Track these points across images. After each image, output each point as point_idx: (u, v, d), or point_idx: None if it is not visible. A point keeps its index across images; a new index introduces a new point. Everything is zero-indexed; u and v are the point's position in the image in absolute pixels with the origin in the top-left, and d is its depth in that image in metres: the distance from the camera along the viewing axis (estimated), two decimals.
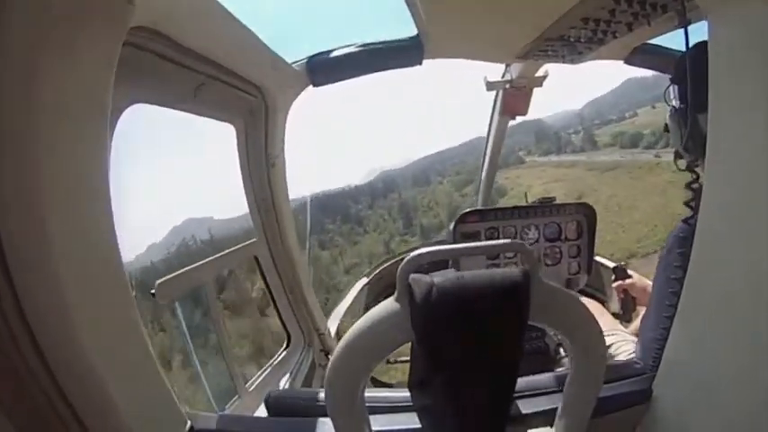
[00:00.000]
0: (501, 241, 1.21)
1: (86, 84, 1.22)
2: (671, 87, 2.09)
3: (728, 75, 1.33)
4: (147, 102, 1.99)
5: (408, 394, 1.49)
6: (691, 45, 2.16)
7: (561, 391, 1.41)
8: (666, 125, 2.15)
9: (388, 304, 1.17)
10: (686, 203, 1.85)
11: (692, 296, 1.53)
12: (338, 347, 1.21)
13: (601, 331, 1.32)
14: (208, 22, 2.01)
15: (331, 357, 1.24)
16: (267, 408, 1.83)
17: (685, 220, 1.83)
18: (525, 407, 1.68)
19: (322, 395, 1.71)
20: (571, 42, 2.74)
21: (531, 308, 1.15)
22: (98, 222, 1.27)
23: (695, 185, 1.83)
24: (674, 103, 2.08)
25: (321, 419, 1.64)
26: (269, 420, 1.83)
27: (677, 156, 2.05)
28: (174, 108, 2.25)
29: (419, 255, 1.12)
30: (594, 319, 1.29)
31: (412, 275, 1.14)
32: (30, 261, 1.09)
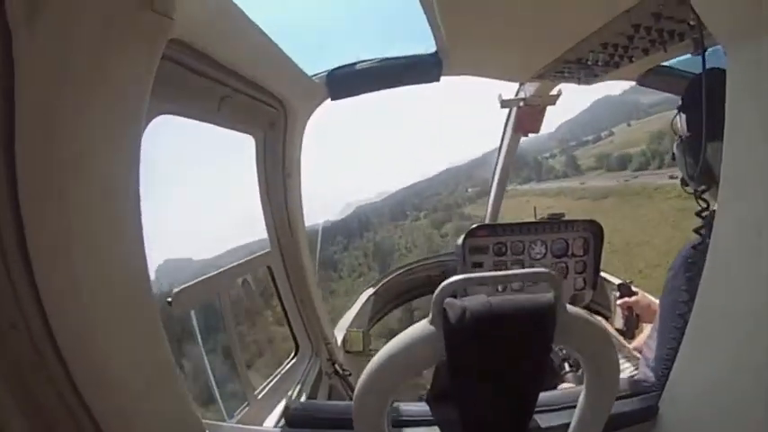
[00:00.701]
0: (531, 270, 1.24)
1: (125, 94, 1.24)
2: (678, 116, 2.11)
3: (746, 104, 1.35)
4: (173, 113, 2.02)
5: (426, 408, 1.53)
6: (698, 72, 2.21)
7: (573, 407, 1.44)
8: (673, 154, 2.17)
9: (422, 326, 1.22)
10: (696, 230, 1.88)
11: (701, 318, 1.56)
12: (370, 365, 1.27)
13: (617, 356, 1.36)
14: (236, 34, 2.04)
15: (361, 374, 1.29)
16: (286, 420, 1.85)
17: (693, 246, 1.86)
18: (540, 421, 1.71)
19: (342, 408, 1.74)
20: (588, 65, 2.77)
21: (557, 329, 1.21)
22: (126, 231, 1.28)
23: (705, 213, 1.86)
24: (680, 131, 2.10)
25: None
26: None
27: (684, 183, 2.09)
28: (198, 120, 2.28)
29: (454, 281, 1.18)
30: (612, 343, 1.34)
31: (446, 300, 1.19)
32: (54, 265, 1.10)
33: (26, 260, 1.07)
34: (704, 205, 1.88)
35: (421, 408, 1.74)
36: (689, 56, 2.31)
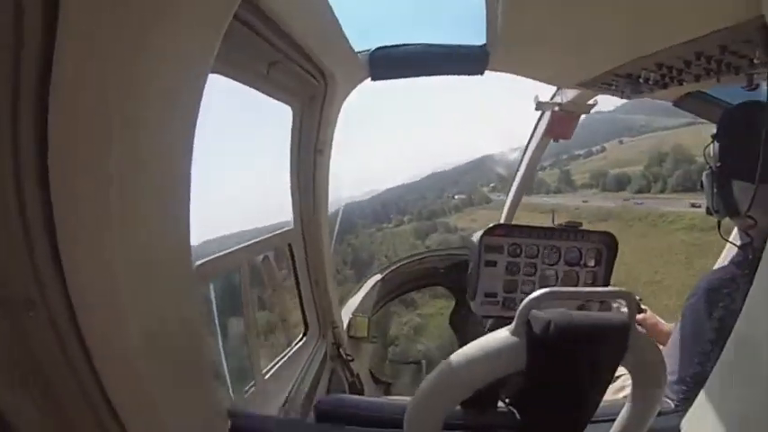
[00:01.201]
0: (611, 289, 1.27)
1: (191, 47, 1.16)
2: (712, 145, 2.09)
3: None
4: (223, 74, 1.96)
5: (467, 413, 1.55)
6: (735, 104, 2.19)
7: (611, 420, 1.45)
8: (701, 182, 2.16)
9: (504, 335, 1.22)
10: (733, 262, 1.88)
11: (738, 349, 1.54)
12: (442, 366, 1.26)
13: (666, 382, 1.39)
14: None
15: (428, 376, 1.27)
16: (315, 414, 1.84)
17: (719, 276, 1.87)
18: None
19: (375, 404, 1.73)
20: (637, 82, 2.74)
21: (627, 350, 1.23)
22: (171, 205, 1.20)
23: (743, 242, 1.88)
24: (711, 161, 2.08)
25: (374, 430, 1.63)
26: (317, 427, 1.83)
27: (709, 212, 2.12)
28: (246, 84, 2.22)
29: (541, 295, 1.18)
30: (665, 371, 1.37)
31: (532, 312, 1.19)
32: (83, 242, 0.99)
33: (52, 236, 0.96)
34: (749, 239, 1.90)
35: (457, 413, 1.74)
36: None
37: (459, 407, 1.59)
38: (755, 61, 1.89)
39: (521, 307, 1.19)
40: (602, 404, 1.77)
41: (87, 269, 1.00)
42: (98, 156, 0.95)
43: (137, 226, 1.07)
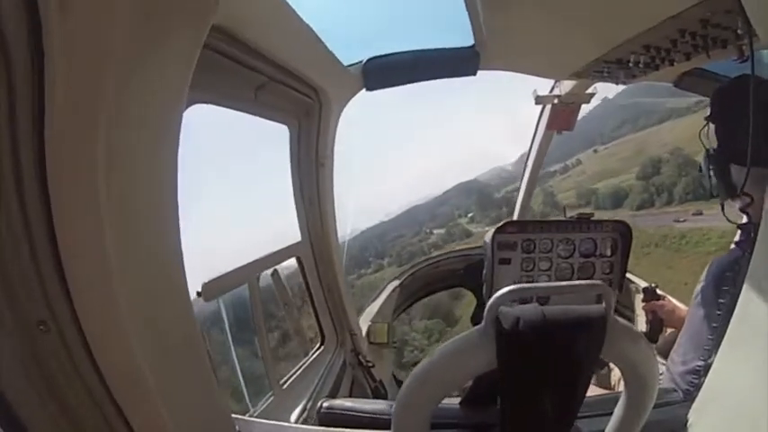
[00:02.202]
0: (585, 282, 1.26)
1: (165, 81, 1.23)
2: (707, 126, 2.07)
3: None
4: (208, 102, 2.02)
5: (460, 411, 1.55)
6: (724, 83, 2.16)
7: (608, 414, 1.44)
8: (700, 166, 2.14)
9: (474, 334, 1.22)
10: (736, 243, 1.86)
11: (739, 332, 1.53)
12: (418, 369, 1.26)
13: (658, 370, 1.35)
14: (275, 20, 2.04)
15: (405, 380, 1.28)
16: (318, 419, 1.85)
17: (725, 259, 1.85)
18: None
19: (376, 407, 1.74)
20: (628, 66, 2.74)
21: (605, 342, 1.21)
22: (161, 224, 1.27)
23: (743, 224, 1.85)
24: (708, 144, 2.06)
25: None
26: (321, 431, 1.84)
27: (712, 195, 2.07)
28: (234, 109, 2.28)
29: (510, 291, 1.18)
30: (655, 358, 1.34)
31: (500, 308, 1.19)
32: (84, 259, 1.06)
33: (56, 254, 1.04)
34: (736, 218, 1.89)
35: (455, 411, 1.74)
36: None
37: (457, 405, 1.60)
38: (739, 32, 1.88)
39: (488, 304, 1.19)
40: (599, 398, 1.76)
41: (90, 287, 1.07)
42: (90, 178, 1.02)
43: (133, 243, 1.14)
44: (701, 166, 2.14)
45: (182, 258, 1.31)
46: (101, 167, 1.02)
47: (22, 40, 0.93)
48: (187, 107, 1.68)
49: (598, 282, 1.25)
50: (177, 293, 1.32)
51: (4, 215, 0.99)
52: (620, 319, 1.24)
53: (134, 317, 1.13)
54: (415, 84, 3.44)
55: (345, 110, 3.24)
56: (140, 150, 1.17)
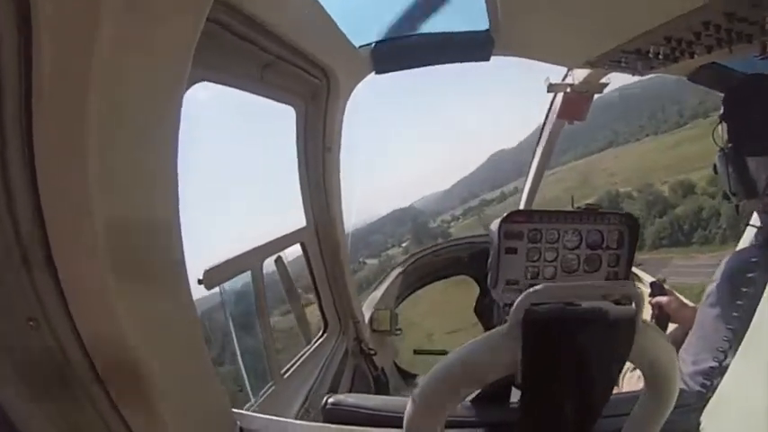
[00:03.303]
0: (614, 282, 1.24)
1: (166, 60, 1.17)
2: (720, 125, 2.04)
3: None
4: (213, 81, 1.97)
5: (474, 409, 1.52)
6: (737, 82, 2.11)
7: (625, 414, 1.42)
8: (715, 166, 2.09)
9: (499, 334, 1.18)
10: (756, 246, 1.82)
11: (759, 334, 1.50)
12: (440, 366, 1.22)
13: (679, 376, 1.34)
14: None
15: (424, 378, 1.23)
16: (323, 414, 1.83)
17: (742, 258, 1.81)
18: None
19: (383, 403, 1.71)
20: (647, 57, 2.68)
21: (633, 346, 1.19)
22: (161, 214, 1.22)
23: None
24: (722, 142, 2.03)
25: (383, 430, 1.59)
26: (326, 428, 1.82)
27: (726, 196, 2.04)
28: (239, 88, 2.23)
29: (536, 292, 1.13)
30: (677, 365, 1.32)
31: (527, 307, 1.15)
32: (77, 253, 1.02)
33: (47, 249, 1.00)
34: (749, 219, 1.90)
35: (468, 408, 1.71)
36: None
37: (468, 402, 1.57)
38: (767, 27, 1.83)
39: (516, 304, 1.14)
40: (617, 397, 1.74)
41: (83, 283, 1.03)
42: (82, 165, 0.96)
43: (128, 235, 1.09)
44: (715, 167, 2.09)
45: (181, 247, 1.26)
46: (91, 155, 0.97)
47: (10, 18, 0.88)
48: (192, 85, 1.65)
49: (627, 282, 1.21)
50: (176, 284, 1.27)
51: None
52: (650, 324, 1.23)
53: (130, 311, 1.08)
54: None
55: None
56: (136, 136, 1.12)
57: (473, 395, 1.62)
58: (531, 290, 1.13)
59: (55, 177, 0.97)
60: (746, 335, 1.52)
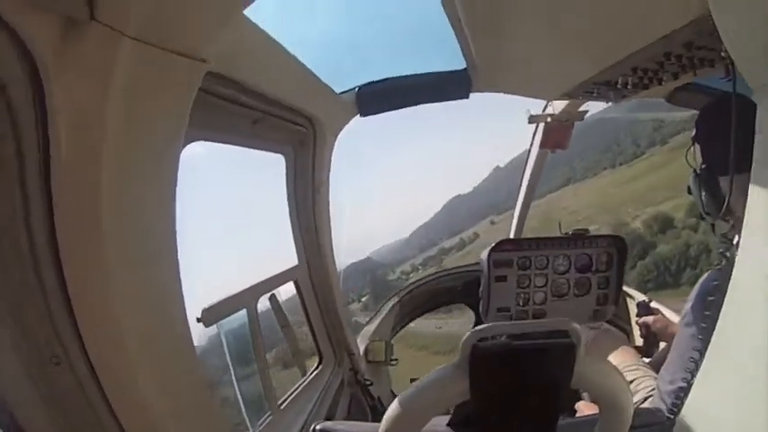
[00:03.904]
0: (552, 320, 1.34)
1: (161, 129, 1.32)
2: (693, 147, 2.13)
3: None
4: (206, 140, 2.10)
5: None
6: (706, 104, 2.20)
7: None
8: (689, 187, 2.17)
9: (450, 367, 1.32)
10: (721, 254, 1.89)
11: (720, 345, 1.56)
12: (397, 402, 1.35)
13: (631, 399, 1.44)
14: (266, 60, 2.11)
15: (388, 409, 1.35)
16: None
17: (713, 273, 1.88)
18: None
19: (371, 429, 1.78)
20: (617, 87, 2.77)
21: (574, 375, 1.31)
22: (162, 261, 1.36)
23: (730, 235, 1.90)
24: (695, 163, 2.11)
25: None
26: None
27: (701, 216, 2.12)
28: (231, 143, 2.37)
29: (484, 329, 1.26)
30: (627, 388, 1.43)
31: (473, 343, 1.27)
32: (91, 299, 1.16)
33: (65, 296, 1.14)
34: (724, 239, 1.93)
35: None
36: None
37: (445, 426, 1.65)
38: (723, 54, 1.92)
39: (463, 339, 1.27)
40: (574, 422, 1.83)
41: (98, 326, 1.18)
42: (94, 222, 1.13)
43: (136, 283, 1.25)
44: (689, 187, 2.17)
45: (182, 293, 1.41)
46: (105, 215, 1.12)
47: (26, 95, 1.02)
48: (187, 144, 1.77)
49: (563, 319, 1.33)
50: (178, 326, 1.42)
51: (19, 265, 1.10)
52: (591, 352, 1.34)
53: (139, 350, 1.22)
54: None
55: None
56: (141, 193, 1.27)
57: (449, 420, 1.70)
58: (477, 328, 1.26)
59: (72, 232, 1.13)
60: (708, 348, 1.60)
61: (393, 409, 1.34)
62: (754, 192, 1.42)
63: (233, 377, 2.76)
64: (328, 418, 3.01)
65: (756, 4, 1.25)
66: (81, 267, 1.15)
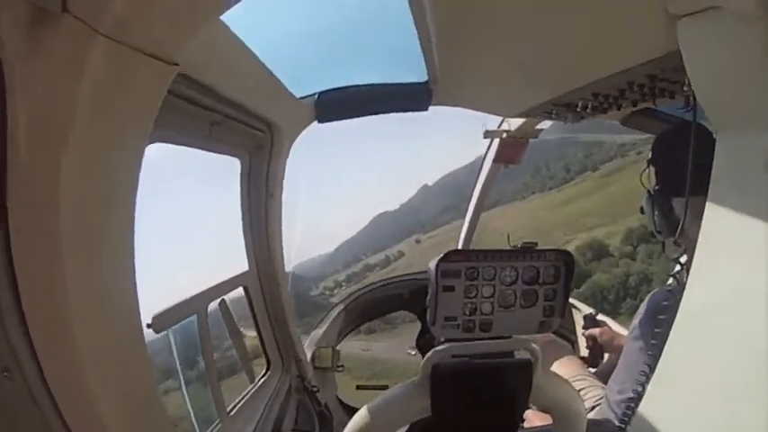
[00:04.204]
0: (511, 339, 1.39)
1: (127, 132, 1.28)
2: (648, 169, 2.21)
3: (729, 189, 1.43)
4: (164, 141, 2.06)
5: None
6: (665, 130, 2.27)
7: None
8: (642, 207, 2.26)
9: (410, 385, 1.39)
10: (672, 275, 1.94)
11: (671, 366, 1.62)
12: (358, 417, 1.39)
13: (585, 413, 1.54)
14: (228, 59, 2.08)
15: (349, 424, 1.41)
16: None
17: (663, 291, 1.94)
18: None
19: None
20: (576, 109, 2.81)
21: (532, 391, 1.41)
22: (117, 268, 1.31)
23: (681, 259, 2.00)
24: (649, 186, 2.20)
25: None
26: None
27: (652, 234, 2.20)
28: (188, 146, 2.32)
29: (441, 350, 1.36)
30: (582, 403, 1.54)
31: (435, 362, 1.36)
32: (45, 308, 1.11)
33: (18, 304, 1.08)
34: (676, 255, 2.04)
35: None
36: None
37: None
38: (685, 88, 1.96)
39: (425, 359, 1.36)
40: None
41: (51, 335, 1.13)
42: (47, 227, 1.07)
43: (92, 290, 1.20)
44: (642, 208, 2.26)
45: (137, 301, 1.37)
46: (63, 221, 1.07)
47: None
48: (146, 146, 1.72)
49: (523, 338, 1.39)
50: (134, 336, 1.38)
51: None
52: (548, 370, 1.47)
53: (94, 362, 1.18)
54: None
55: None
56: (102, 199, 1.23)
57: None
58: (438, 348, 1.36)
59: (27, 235, 1.06)
60: (660, 360, 1.65)
61: (354, 424, 1.38)
62: (707, 225, 1.49)
63: (182, 384, 2.72)
64: (276, 425, 3.00)
65: (724, 48, 1.33)
66: (36, 277, 1.09)
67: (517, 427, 1.49)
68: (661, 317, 1.83)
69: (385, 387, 5.26)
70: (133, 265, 1.34)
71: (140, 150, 1.34)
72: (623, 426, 1.90)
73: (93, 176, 1.16)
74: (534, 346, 1.42)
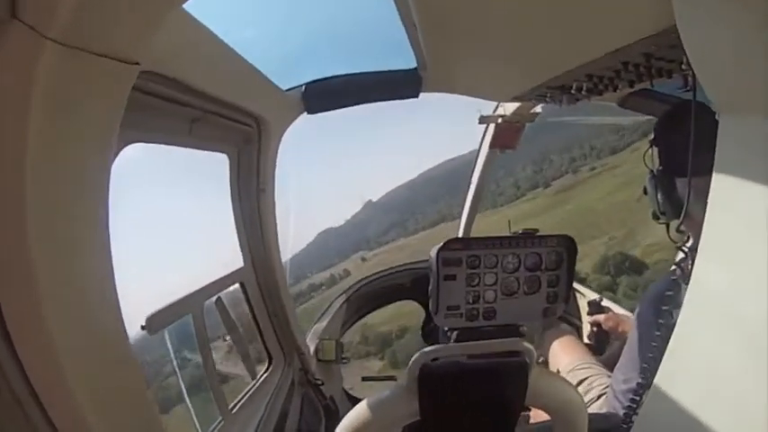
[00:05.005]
0: (505, 339, 1.35)
1: (91, 132, 1.25)
2: (651, 150, 2.16)
3: (733, 175, 1.36)
4: (141, 141, 2.01)
5: None
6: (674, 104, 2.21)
7: None
8: (645, 188, 2.20)
9: (399, 387, 1.35)
10: (677, 264, 1.89)
11: (679, 350, 1.58)
12: (346, 419, 1.37)
13: (585, 412, 1.48)
14: (206, 56, 2.05)
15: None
16: None
17: (666, 280, 1.89)
18: None
19: None
20: (571, 92, 2.75)
21: (527, 392, 1.35)
22: (96, 266, 1.30)
23: (686, 247, 1.91)
24: (652, 166, 2.15)
25: None
26: None
27: (655, 216, 2.15)
28: (169, 144, 2.28)
29: (429, 351, 1.31)
30: (581, 401, 1.47)
31: (422, 363, 1.30)
32: (21, 305, 1.09)
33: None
34: (681, 239, 1.95)
35: None
36: None
37: None
38: (683, 67, 1.90)
39: (412, 361, 1.31)
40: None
41: (33, 344, 1.11)
42: (20, 224, 1.05)
43: (67, 293, 1.18)
44: (645, 189, 2.20)
45: (117, 300, 1.35)
46: (30, 228, 1.05)
47: None
48: (120, 150, 1.76)
49: (516, 339, 1.39)
50: (116, 336, 1.36)
51: None
52: (544, 369, 1.39)
53: (75, 363, 1.17)
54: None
55: None
56: (70, 201, 1.20)
57: None
58: (426, 349, 1.30)
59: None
60: (667, 351, 1.60)
61: (343, 428, 1.35)
62: (711, 215, 1.44)
63: (181, 383, 2.71)
64: (280, 420, 3.00)
65: (723, 21, 1.25)
66: (9, 284, 1.07)
67: (512, 430, 1.44)
68: (664, 307, 1.81)
69: (392, 378, 5.25)
70: (110, 263, 1.32)
71: (108, 150, 1.32)
72: (628, 416, 1.87)
73: (59, 178, 1.14)
74: (529, 346, 1.37)
